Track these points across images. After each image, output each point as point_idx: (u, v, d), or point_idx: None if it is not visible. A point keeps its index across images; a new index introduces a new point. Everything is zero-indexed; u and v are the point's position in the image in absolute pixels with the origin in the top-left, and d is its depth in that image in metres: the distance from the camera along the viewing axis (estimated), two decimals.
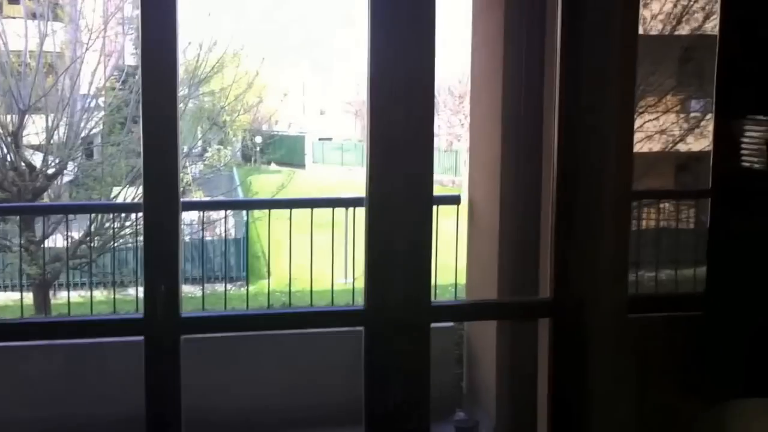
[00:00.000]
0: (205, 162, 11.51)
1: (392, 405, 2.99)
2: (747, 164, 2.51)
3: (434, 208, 3.08)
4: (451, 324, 4.75)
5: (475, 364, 4.83)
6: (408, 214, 2.97)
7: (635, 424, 2.93)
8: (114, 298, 6.36)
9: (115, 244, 7.99)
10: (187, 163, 10.39)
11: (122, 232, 8.41)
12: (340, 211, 6.27)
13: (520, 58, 4.35)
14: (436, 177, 19.33)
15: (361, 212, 5.19)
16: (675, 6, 6.76)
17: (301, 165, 17.80)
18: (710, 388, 2.83)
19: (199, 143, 11.24)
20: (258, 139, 15.79)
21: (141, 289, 7.51)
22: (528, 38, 4.29)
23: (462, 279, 5.38)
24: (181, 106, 9.36)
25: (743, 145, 2.52)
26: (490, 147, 4.52)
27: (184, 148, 9.87)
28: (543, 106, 4.07)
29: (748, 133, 2.50)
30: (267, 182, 13.88)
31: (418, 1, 2.91)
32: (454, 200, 5.53)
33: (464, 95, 20.70)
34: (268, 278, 7.74)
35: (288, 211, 6.01)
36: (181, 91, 9.33)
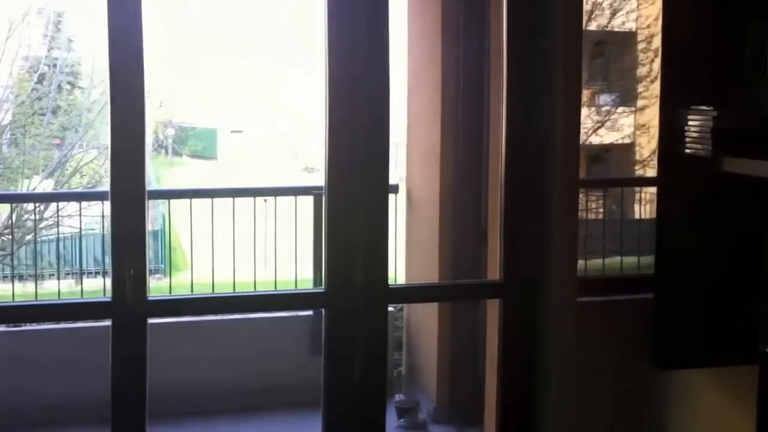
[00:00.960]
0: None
1: (351, 384, 3.10)
2: (691, 152, 2.71)
3: None
4: (391, 309, 4.89)
5: (415, 348, 5.00)
6: (366, 199, 3.08)
7: (585, 402, 3.14)
8: (36, 290, 6.24)
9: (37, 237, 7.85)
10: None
11: (41, 225, 8.24)
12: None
13: (458, 51, 4.54)
14: None
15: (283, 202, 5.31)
16: (586, 3, 7.07)
17: (213, 157, 17.65)
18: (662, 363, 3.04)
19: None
20: (170, 132, 15.61)
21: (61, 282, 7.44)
22: (466, 31, 4.48)
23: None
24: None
25: (687, 134, 2.72)
26: (428, 138, 4.69)
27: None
28: (485, 97, 4.27)
29: (691, 123, 2.70)
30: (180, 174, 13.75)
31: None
32: (393, 190, 5.65)
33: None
34: (192, 270, 7.68)
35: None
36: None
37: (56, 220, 7.82)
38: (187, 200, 5.75)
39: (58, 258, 7.99)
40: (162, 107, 12.20)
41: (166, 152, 15.65)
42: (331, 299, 3.08)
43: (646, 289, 3.09)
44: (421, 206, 4.83)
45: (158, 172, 13.84)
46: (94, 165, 9.45)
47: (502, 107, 3.16)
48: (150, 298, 2.96)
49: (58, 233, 7.88)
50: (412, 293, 3.78)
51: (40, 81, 9.19)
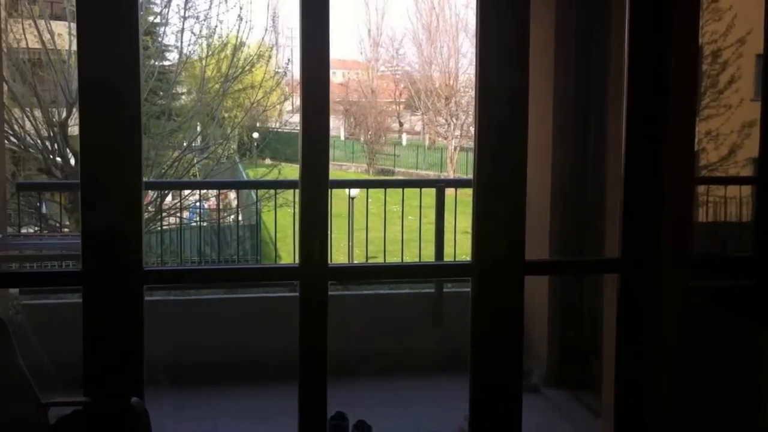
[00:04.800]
0: (209, 156, 12.11)
1: (490, 347, 3.68)
2: None
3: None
4: None
5: (526, 318, 5.57)
6: (508, 190, 3.68)
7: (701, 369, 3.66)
8: None
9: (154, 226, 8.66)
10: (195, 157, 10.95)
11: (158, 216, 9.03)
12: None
13: (568, 60, 5.12)
14: (422, 172, 19.99)
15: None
16: None
17: (294, 160, 18.35)
18: None
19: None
20: (255, 135, 16.37)
21: None
22: (578, 40, 5.06)
23: None
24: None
25: None
26: (540, 138, 5.24)
27: (184, 142, 10.53)
28: (591, 101, 4.81)
29: None
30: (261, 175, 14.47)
31: None
32: None
33: (450, 97, 21.61)
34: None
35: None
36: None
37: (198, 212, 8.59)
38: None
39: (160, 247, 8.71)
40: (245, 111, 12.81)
41: (250, 156, 16.41)
42: (477, 270, 3.67)
43: None
44: (532, 197, 5.38)
45: (247, 173, 14.61)
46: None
47: (622, 109, 3.71)
48: (331, 265, 3.59)
49: (199, 224, 8.61)
50: (547, 266, 4.39)
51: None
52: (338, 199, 7.36)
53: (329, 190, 3.58)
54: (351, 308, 5.45)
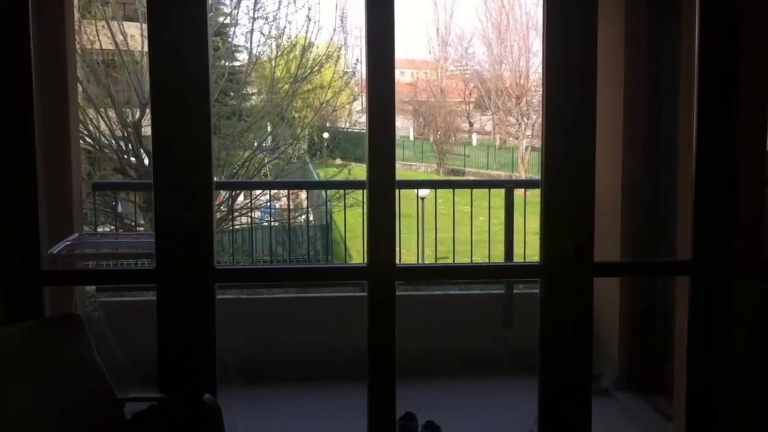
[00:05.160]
0: (279, 156, 12.25)
1: (562, 340, 3.65)
2: None
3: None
4: None
5: (595, 320, 5.50)
6: (577, 192, 3.64)
7: None
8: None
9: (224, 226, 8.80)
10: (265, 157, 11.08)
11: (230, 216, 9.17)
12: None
13: (639, 62, 5.04)
14: (493, 172, 19.91)
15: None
16: None
17: (363, 160, 18.41)
18: None
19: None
20: (326, 135, 16.49)
21: None
22: (648, 42, 4.97)
23: None
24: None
25: None
26: (610, 138, 5.17)
27: (254, 142, 10.66)
28: (662, 101, 4.73)
29: None
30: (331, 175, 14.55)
31: None
32: None
33: (521, 96, 21.46)
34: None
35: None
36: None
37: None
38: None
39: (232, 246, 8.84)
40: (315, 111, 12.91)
41: (320, 155, 16.54)
42: (546, 271, 3.64)
43: None
44: (602, 197, 5.31)
45: (317, 173, 14.73)
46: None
47: (693, 109, 3.64)
48: (398, 265, 3.61)
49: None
50: (616, 268, 4.33)
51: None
52: (408, 199, 7.38)
53: (397, 190, 3.59)
54: (421, 309, 5.47)
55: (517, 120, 21.73)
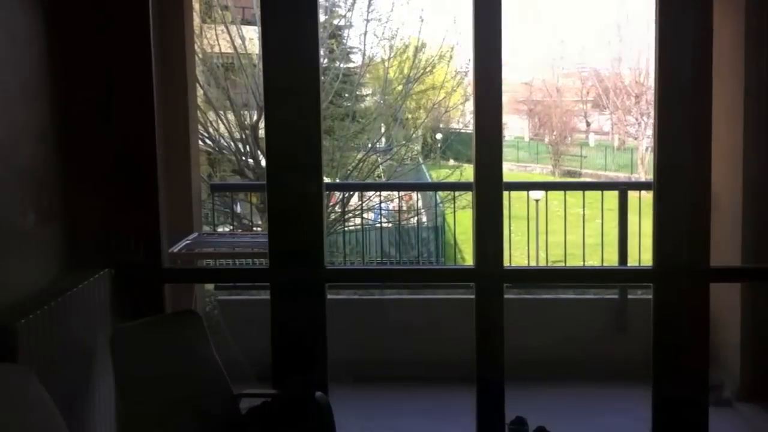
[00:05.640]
0: (393, 157, 12.32)
1: (676, 347, 3.56)
2: None
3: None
4: None
5: (714, 326, 5.32)
6: (690, 185, 3.53)
7: None
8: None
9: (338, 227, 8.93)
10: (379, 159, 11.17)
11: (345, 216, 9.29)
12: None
13: (761, 60, 4.85)
14: (611, 174, 19.47)
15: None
16: None
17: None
18: None
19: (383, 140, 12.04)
20: (439, 136, 16.49)
21: None
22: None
23: None
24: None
25: None
26: (729, 138, 5.00)
27: (368, 143, 10.75)
28: None
29: None
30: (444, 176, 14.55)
31: None
32: None
33: (641, 95, 20.92)
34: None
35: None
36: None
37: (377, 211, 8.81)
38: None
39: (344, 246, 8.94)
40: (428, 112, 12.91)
41: (433, 156, 16.55)
42: (659, 276, 3.56)
43: None
44: (722, 201, 5.13)
45: (430, 174, 14.75)
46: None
47: None
48: (506, 267, 3.59)
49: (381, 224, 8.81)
50: (734, 273, 4.18)
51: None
52: (521, 201, 7.30)
53: (508, 192, 3.58)
54: (532, 312, 5.42)
55: (636, 119, 21.18)
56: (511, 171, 19.00)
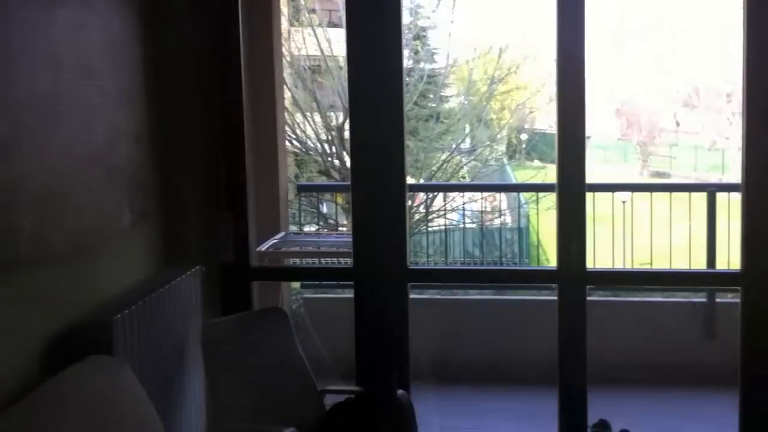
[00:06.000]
0: (477, 158, 12.28)
1: (766, 354, 3.49)
2: None
3: None
4: None
5: None
6: None
7: None
8: None
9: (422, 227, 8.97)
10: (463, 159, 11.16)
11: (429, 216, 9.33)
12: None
13: None
14: (702, 175, 18.94)
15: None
16: None
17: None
18: None
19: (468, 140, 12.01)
20: (523, 136, 16.39)
21: None
22: None
23: None
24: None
25: None
26: None
27: (452, 144, 10.74)
28: None
29: None
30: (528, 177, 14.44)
31: None
32: None
33: (732, 94, 20.36)
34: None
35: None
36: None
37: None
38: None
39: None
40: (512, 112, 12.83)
41: (518, 157, 16.44)
42: (747, 280, 3.50)
43: None
44: None
45: (515, 174, 14.69)
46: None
47: None
48: (589, 269, 3.58)
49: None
50: None
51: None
52: (608, 202, 7.21)
53: (592, 193, 3.57)
54: (617, 314, 5.37)
55: (728, 119, 20.63)
56: (598, 172, 18.75)
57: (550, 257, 9.85)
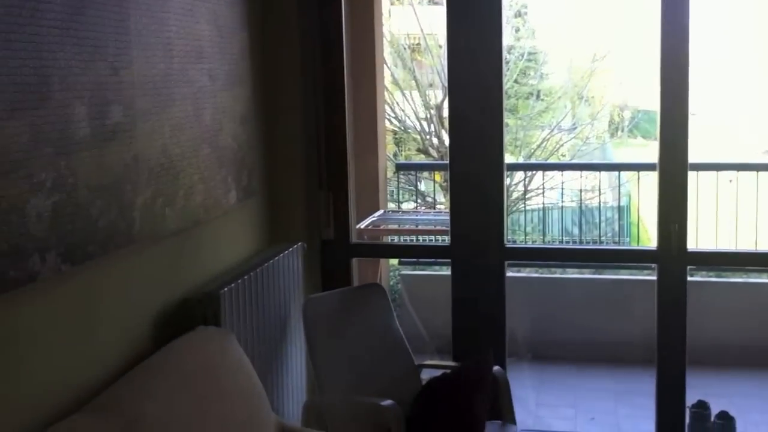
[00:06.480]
0: (577, 136, 12.10)
1: None
2: None
3: None
4: None
5: None
6: None
7: None
8: None
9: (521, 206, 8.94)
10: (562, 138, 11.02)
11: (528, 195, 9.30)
12: None
13: None
14: None
15: None
16: None
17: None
18: None
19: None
20: (626, 114, 16.04)
21: None
22: None
23: None
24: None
25: None
26: None
27: (552, 122, 10.61)
28: None
29: None
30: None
31: None
32: None
33: None
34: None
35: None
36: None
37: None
38: None
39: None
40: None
41: (620, 134, 16.09)
42: None
43: None
44: None
45: (616, 152, 14.43)
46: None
47: None
48: (690, 250, 3.54)
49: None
50: None
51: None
52: (712, 181, 7.03)
53: (695, 172, 3.52)
54: (722, 295, 5.28)
55: None
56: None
57: (651, 236, 9.67)
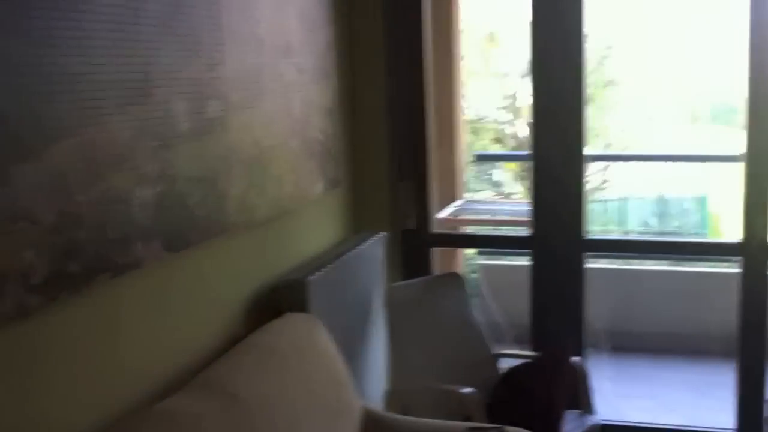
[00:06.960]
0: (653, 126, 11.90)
1: None
2: None
3: None
4: None
5: None
6: None
7: None
8: None
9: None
10: None
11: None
12: None
13: None
14: None
15: None
16: None
17: None
18: None
19: None
20: (704, 104, 15.68)
21: None
22: None
23: None
24: None
25: None
26: None
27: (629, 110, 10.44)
28: None
29: None
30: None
31: None
32: None
33: None
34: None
35: None
36: None
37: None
38: None
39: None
40: None
41: None
42: None
43: None
44: None
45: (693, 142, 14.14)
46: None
47: None
48: None
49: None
50: None
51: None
52: None
53: None
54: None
55: None
56: None
57: (723, 230, 9.49)
